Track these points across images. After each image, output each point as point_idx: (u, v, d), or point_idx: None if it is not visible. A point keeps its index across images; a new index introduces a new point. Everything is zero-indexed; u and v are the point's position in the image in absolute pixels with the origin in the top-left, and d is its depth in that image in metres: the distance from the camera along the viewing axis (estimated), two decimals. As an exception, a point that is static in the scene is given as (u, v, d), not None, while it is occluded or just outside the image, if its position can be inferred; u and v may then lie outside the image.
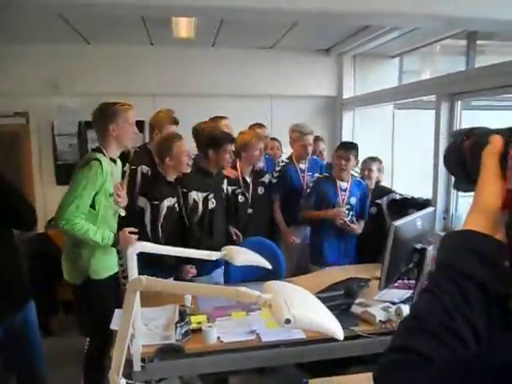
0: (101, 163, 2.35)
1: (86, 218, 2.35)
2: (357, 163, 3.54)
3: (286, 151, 4.37)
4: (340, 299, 2.31)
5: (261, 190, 3.64)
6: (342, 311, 2.26)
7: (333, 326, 1.20)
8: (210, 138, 3.15)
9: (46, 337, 3.05)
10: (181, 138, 2.96)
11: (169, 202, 2.87)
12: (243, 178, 3.55)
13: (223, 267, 3.17)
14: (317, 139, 4.29)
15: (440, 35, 4.30)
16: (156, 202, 2.79)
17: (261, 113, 5.24)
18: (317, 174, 3.71)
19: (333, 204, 3.39)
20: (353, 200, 3.41)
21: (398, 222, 2.22)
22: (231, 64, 5.17)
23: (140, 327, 2.01)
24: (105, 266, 2.51)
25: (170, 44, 4.90)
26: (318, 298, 1.31)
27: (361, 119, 5.53)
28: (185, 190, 3.02)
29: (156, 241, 2.59)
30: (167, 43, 4.91)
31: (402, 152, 5.39)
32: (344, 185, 3.43)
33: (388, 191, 3.73)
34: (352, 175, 3.53)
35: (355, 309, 2.36)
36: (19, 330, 2.24)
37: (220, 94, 5.20)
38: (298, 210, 3.60)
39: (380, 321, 2.23)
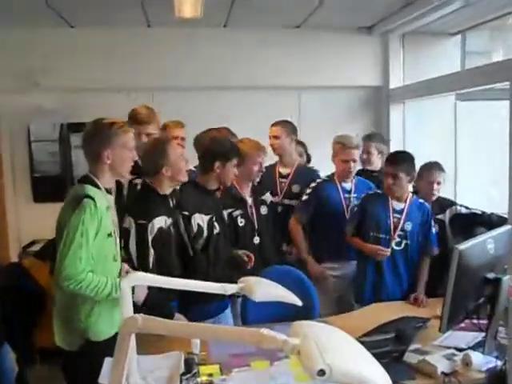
0: (94, 200, 2.37)
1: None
2: (411, 178, 3.46)
3: (318, 160, 4.40)
4: (390, 345, 2.28)
5: (264, 210, 3.68)
6: (392, 360, 2.23)
7: (380, 380, 1.19)
8: (221, 147, 3.20)
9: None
10: (172, 140, 3.06)
11: (160, 221, 2.84)
12: (240, 198, 3.58)
13: (229, 308, 3.20)
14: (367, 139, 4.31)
15: (513, 6, 4.27)
16: (142, 222, 2.78)
17: (285, 109, 5.26)
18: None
19: (383, 229, 3.38)
20: (408, 226, 3.37)
21: (464, 245, 2.20)
22: (248, 49, 5.25)
23: (136, 380, 2.02)
24: (109, 322, 2.49)
25: (172, 26, 4.98)
26: (362, 342, 1.31)
27: (413, 114, 5.51)
28: (186, 212, 3.03)
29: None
30: (168, 25, 5.00)
31: (467, 155, 5.35)
32: (399, 206, 3.41)
33: (450, 203, 3.69)
34: (413, 195, 3.51)
35: (410, 357, 2.32)
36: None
37: (233, 86, 5.29)
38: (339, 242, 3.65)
39: (443, 373, 2.19)
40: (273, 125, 4.15)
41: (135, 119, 3.41)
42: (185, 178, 3.03)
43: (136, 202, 2.77)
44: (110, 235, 2.46)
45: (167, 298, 2.76)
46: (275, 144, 4.07)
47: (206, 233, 3.08)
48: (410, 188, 3.57)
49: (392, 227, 3.37)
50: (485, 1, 4.09)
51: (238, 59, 5.22)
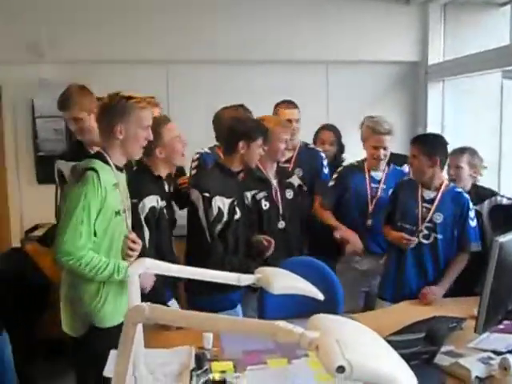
0: (98, 173, 2.42)
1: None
2: (433, 163, 3.41)
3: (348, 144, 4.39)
4: (420, 345, 2.28)
5: (289, 194, 3.69)
6: (422, 362, 2.23)
7: (405, 379, 1.19)
8: (244, 126, 3.24)
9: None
10: (169, 121, 3.09)
11: (151, 201, 2.92)
12: (265, 179, 3.59)
13: (240, 306, 3.25)
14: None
15: None
16: (134, 201, 2.83)
17: (311, 86, 5.26)
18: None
19: (410, 219, 3.37)
20: (438, 217, 3.32)
21: (505, 238, 2.18)
22: (271, 19, 5.23)
23: (144, 375, 2.05)
24: (115, 308, 2.55)
25: (189, -7, 5.00)
26: (388, 342, 1.30)
27: (454, 93, 5.46)
28: (207, 194, 3.08)
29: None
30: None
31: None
32: (430, 195, 3.38)
33: (490, 193, 3.65)
34: (451, 182, 3.48)
35: (441, 359, 2.32)
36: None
37: (255, 60, 5.28)
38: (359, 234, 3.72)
39: (477, 377, 2.18)
40: (287, 106, 4.11)
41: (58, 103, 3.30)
42: (181, 162, 3.14)
43: (129, 182, 2.82)
44: (118, 213, 2.51)
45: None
46: (297, 128, 4.05)
47: (225, 217, 3.13)
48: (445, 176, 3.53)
49: (420, 217, 3.34)
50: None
51: (259, 31, 5.20)
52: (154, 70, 5.21)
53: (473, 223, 3.34)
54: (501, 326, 2.55)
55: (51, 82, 5.13)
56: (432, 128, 5.27)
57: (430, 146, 3.34)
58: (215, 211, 3.09)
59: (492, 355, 2.32)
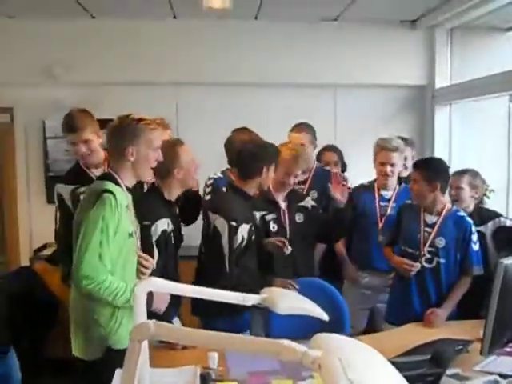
0: (114, 196, 2.43)
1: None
2: (434, 188, 3.40)
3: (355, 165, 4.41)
4: (425, 367, 2.26)
5: (299, 218, 3.65)
6: (427, 384, 2.22)
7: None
8: (266, 152, 3.29)
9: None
10: (184, 143, 3.13)
11: (163, 224, 2.94)
12: (273, 200, 3.60)
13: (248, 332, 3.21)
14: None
15: None
16: (146, 223, 2.86)
17: (319, 110, 5.29)
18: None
19: (412, 243, 3.37)
20: (440, 242, 3.31)
21: (510, 260, 2.18)
22: (280, 43, 5.28)
23: (148, 395, 2.05)
24: (129, 330, 2.55)
25: (199, 17, 5.07)
26: (393, 363, 1.30)
27: (461, 117, 5.47)
28: (234, 223, 3.10)
29: None
30: (195, 16, 5.09)
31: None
32: (432, 219, 3.38)
33: (494, 215, 3.65)
34: (454, 203, 3.49)
35: (447, 382, 2.30)
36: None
37: (264, 83, 5.33)
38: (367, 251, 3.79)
39: (483, 400, 2.17)
40: (295, 130, 4.13)
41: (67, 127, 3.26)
42: (194, 185, 3.19)
43: (139, 203, 2.83)
44: (130, 235, 2.53)
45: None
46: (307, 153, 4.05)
47: (245, 242, 3.16)
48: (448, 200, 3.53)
49: (422, 242, 3.33)
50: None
51: (270, 54, 5.25)
52: (163, 93, 5.27)
53: (475, 247, 3.32)
54: (507, 349, 2.54)
55: (64, 103, 5.19)
56: (439, 151, 5.29)
57: (430, 171, 3.33)
58: (239, 240, 3.12)
59: (498, 378, 2.31)
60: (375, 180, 3.96)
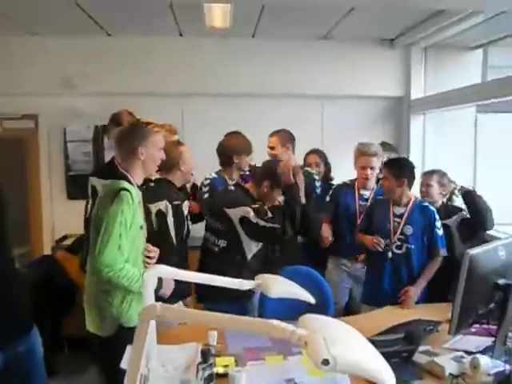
0: (131, 193, 2.47)
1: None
2: (401, 183, 3.41)
3: (341, 169, 4.41)
4: (400, 344, 2.27)
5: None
6: (401, 360, 2.22)
7: (383, 373, 1.20)
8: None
9: (49, 376, 3.15)
10: (184, 144, 3.31)
11: (187, 205, 3.20)
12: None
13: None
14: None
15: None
16: (176, 202, 3.05)
17: (308, 118, 5.31)
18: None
19: (384, 233, 3.39)
20: (408, 230, 3.34)
21: (475, 251, 2.18)
22: (274, 58, 5.27)
23: (156, 368, 2.05)
24: (140, 310, 2.56)
25: (203, 35, 5.06)
26: (371, 341, 1.31)
27: (434, 125, 5.47)
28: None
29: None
30: (199, 34, 5.08)
31: (489, 168, 5.28)
32: (400, 210, 3.40)
33: (458, 210, 3.73)
34: (418, 199, 3.50)
35: (419, 358, 2.31)
36: (22, 362, 2.31)
37: (260, 94, 5.32)
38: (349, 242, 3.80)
39: (450, 374, 2.17)
40: (270, 135, 4.15)
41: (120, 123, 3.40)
42: (191, 179, 3.44)
43: (161, 189, 3.11)
44: (141, 228, 2.57)
45: None
46: (271, 155, 4.06)
47: None
48: (416, 193, 3.61)
49: (392, 231, 3.37)
50: (507, 15, 4.04)
51: (266, 68, 5.23)
52: (170, 102, 5.26)
53: (440, 232, 3.36)
54: (472, 329, 2.54)
55: (81, 111, 5.22)
56: (414, 155, 5.29)
57: (398, 168, 3.39)
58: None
59: (464, 355, 2.31)
60: (355, 180, 3.96)
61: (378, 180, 3.95)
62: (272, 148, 4.07)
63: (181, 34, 5.19)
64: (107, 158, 5.18)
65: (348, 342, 1.24)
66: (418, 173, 3.58)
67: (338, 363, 1.12)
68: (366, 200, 3.88)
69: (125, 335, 2.41)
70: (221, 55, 5.23)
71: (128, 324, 2.52)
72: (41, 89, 5.08)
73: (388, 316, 2.91)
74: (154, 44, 5.15)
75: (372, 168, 3.82)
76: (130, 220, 2.42)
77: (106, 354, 2.58)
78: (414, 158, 5.07)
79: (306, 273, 3.39)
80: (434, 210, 3.40)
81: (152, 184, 3.15)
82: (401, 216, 3.38)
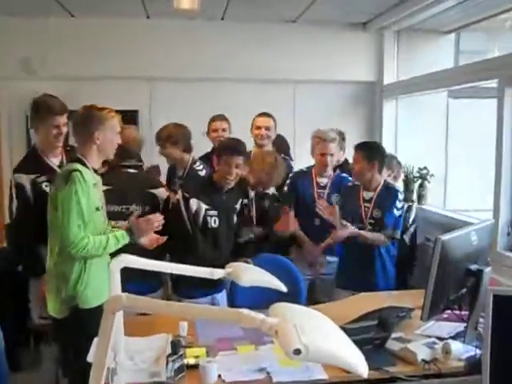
0: (81, 173, 2.51)
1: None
2: (371, 166, 3.44)
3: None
4: (373, 332, 2.29)
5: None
6: (374, 347, 2.24)
7: (355, 360, 1.21)
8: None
9: (12, 371, 3.11)
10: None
11: None
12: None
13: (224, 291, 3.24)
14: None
15: (510, 4, 4.24)
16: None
17: (280, 103, 5.27)
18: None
19: (356, 218, 3.45)
20: (377, 213, 3.39)
21: (447, 236, 2.21)
22: (244, 42, 5.22)
23: (123, 361, 2.03)
24: (97, 291, 2.59)
25: (170, 17, 4.99)
26: (344, 329, 1.31)
27: (406, 110, 5.51)
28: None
29: None
30: (166, 16, 5.00)
31: (459, 152, 5.36)
32: (369, 195, 3.45)
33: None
34: (386, 182, 3.55)
35: (392, 344, 2.34)
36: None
37: (230, 78, 5.27)
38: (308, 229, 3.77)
39: (423, 360, 2.21)
40: (263, 115, 4.13)
41: (50, 110, 3.08)
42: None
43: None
44: (97, 209, 2.62)
45: None
46: (266, 134, 4.06)
47: None
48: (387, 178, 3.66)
49: (363, 215, 3.43)
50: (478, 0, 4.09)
51: (235, 52, 5.19)
52: (138, 87, 5.18)
53: (396, 212, 3.42)
54: (444, 316, 2.58)
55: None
56: (387, 140, 5.34)
57: (369, 152, 3.43)
58: None
59: (436, 340, 2.36)
60: (312, 166, 3.91)
61: (335, 168, 3.94)
62: (268, 128, 4.10)
63: (148, 16, 5.11)
64: (71, 143, 5.12)
65: (320, 330, 1.23)
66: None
67: (309, 352, 1.12)
68: (323, 188, 3.86)
69: (81, 317, 2.52)
70: (189, 38, 5.15)
71: (84, 305, 2.57)
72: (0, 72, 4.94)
73: (360, 303, 2.93)
74: (120, 26, 5.06)
75: (332, 155, 3.78)
76: (84, 199, 2.49)
77: (62, 336, 2.66)
78: (387, 143, 5.12)
79: (278, 261, 3.40)
80: (398, 189, 3.52)
81: None
82: (370, 200, 3.45)
